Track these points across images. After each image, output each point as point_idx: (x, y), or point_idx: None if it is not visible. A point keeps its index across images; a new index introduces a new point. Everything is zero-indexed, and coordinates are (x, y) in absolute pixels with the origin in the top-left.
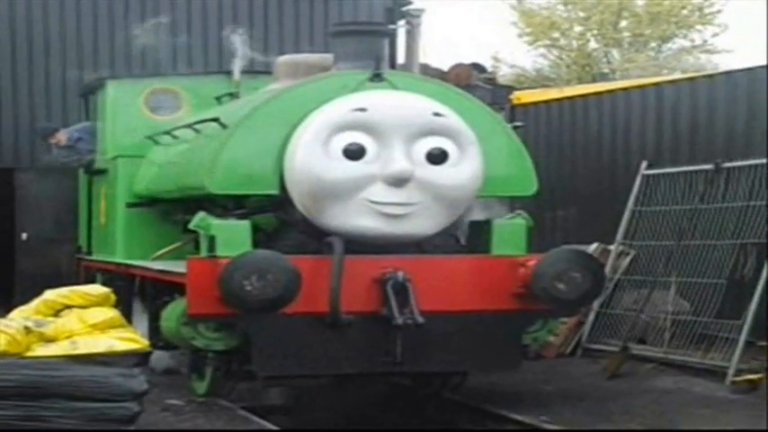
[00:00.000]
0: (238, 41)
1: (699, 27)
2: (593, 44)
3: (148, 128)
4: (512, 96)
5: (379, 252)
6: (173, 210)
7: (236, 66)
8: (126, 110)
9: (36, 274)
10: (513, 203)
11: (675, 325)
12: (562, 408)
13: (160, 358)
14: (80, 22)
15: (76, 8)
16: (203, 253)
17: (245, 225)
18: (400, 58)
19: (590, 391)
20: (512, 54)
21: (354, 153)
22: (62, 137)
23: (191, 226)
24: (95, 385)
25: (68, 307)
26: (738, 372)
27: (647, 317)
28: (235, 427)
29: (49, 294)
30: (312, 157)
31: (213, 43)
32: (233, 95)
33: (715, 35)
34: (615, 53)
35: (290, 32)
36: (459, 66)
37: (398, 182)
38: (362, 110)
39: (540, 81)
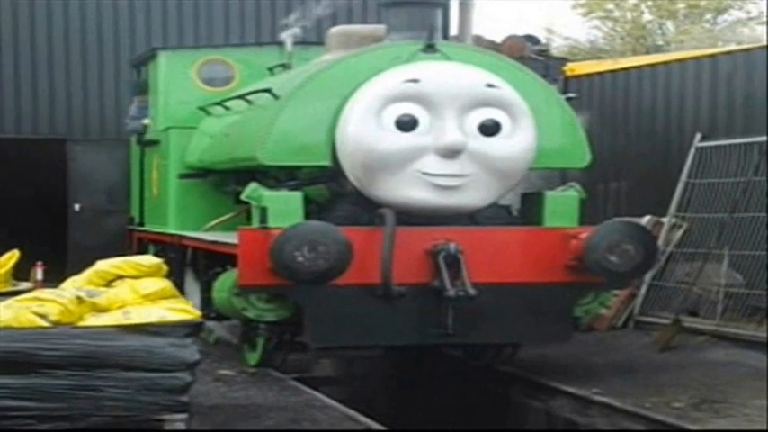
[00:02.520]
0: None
1: None
2: (647, 16)
3: (200, 99)
4: (565, 68)
5: (431, 224)
6: (225, 181)
7: (288, 37)
8: (178, 81)
9: (88, 245)
10: (566, 175)
11: (728, 297)
12: (613, 380)
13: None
14: None
15: None
16: (255, 224)
17: (296, 196)
18: (453, 29)
19: (641, 363)
20: (565, 26)
21: (407, 124)
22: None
23: (243, 197)
24: (148, 355)
25: (120, 277)
26: None
27: (699, 289)
28: (286, 397)
29: (102, 265)
30: (364, 128)
31: (266, 14)
32: (285, 67)
33: None
34: (670, 25)
35: (342, 3)
36: (512, 37)
37: (451, 153)
38: (415, 81)
39: (594, 53)
